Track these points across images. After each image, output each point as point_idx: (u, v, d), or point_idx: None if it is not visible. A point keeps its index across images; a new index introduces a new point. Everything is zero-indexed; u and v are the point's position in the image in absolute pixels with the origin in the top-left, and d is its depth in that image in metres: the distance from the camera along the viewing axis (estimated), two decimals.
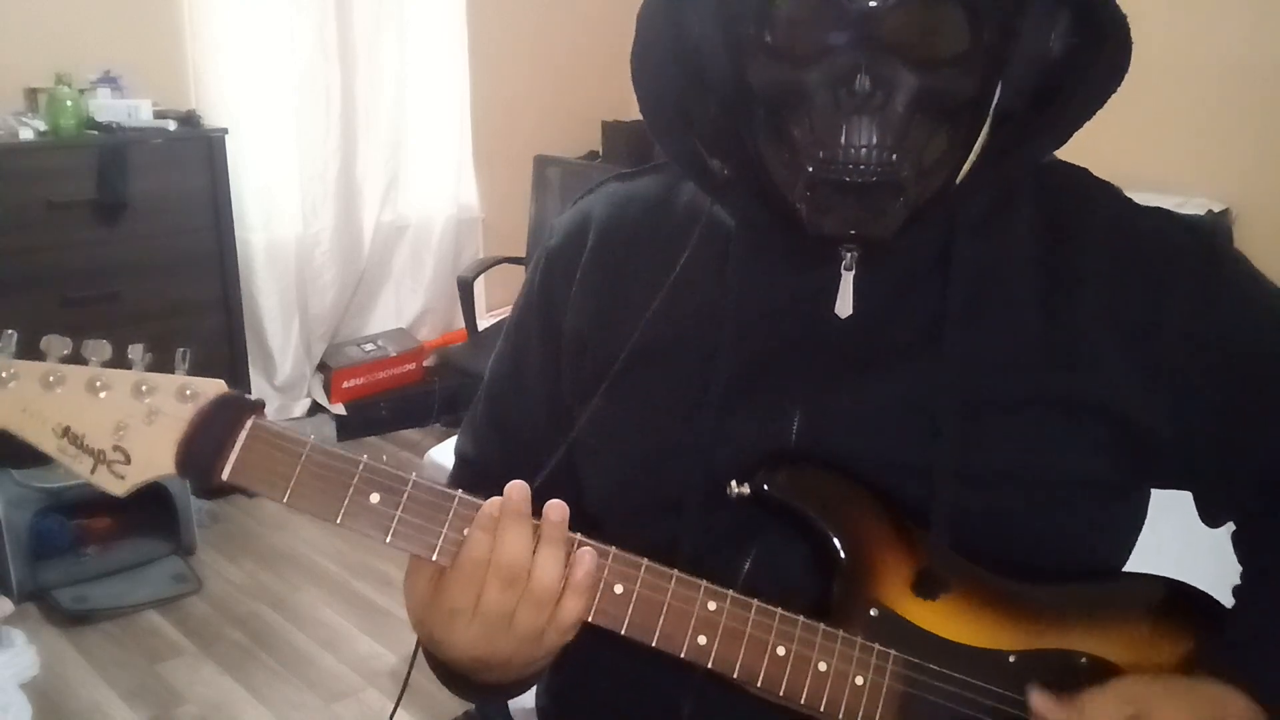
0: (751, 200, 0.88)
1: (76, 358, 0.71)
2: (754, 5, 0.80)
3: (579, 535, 0.78)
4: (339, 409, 3.92)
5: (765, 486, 0.84)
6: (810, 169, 0.79)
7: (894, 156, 0.77)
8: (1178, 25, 3.30)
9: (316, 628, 2.82)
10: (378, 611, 2.88)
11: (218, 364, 3.29)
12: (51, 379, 0.68)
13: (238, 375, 3.36)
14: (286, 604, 2.92)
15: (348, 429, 3.93)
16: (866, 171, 0.77)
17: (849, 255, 0.86)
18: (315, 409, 3.90)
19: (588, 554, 0.77)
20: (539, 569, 0.76)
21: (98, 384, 0.69)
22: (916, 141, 0.78)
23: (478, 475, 1.06)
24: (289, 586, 3.00)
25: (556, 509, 0.77)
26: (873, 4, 0.75)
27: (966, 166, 0.84)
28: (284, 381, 3.77)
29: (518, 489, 0.77)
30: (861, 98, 0.75)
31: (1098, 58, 0.82)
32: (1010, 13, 0.80)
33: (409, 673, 0.97)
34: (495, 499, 0.78)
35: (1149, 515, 0.94)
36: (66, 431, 0.69)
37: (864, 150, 0.77)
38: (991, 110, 0.83)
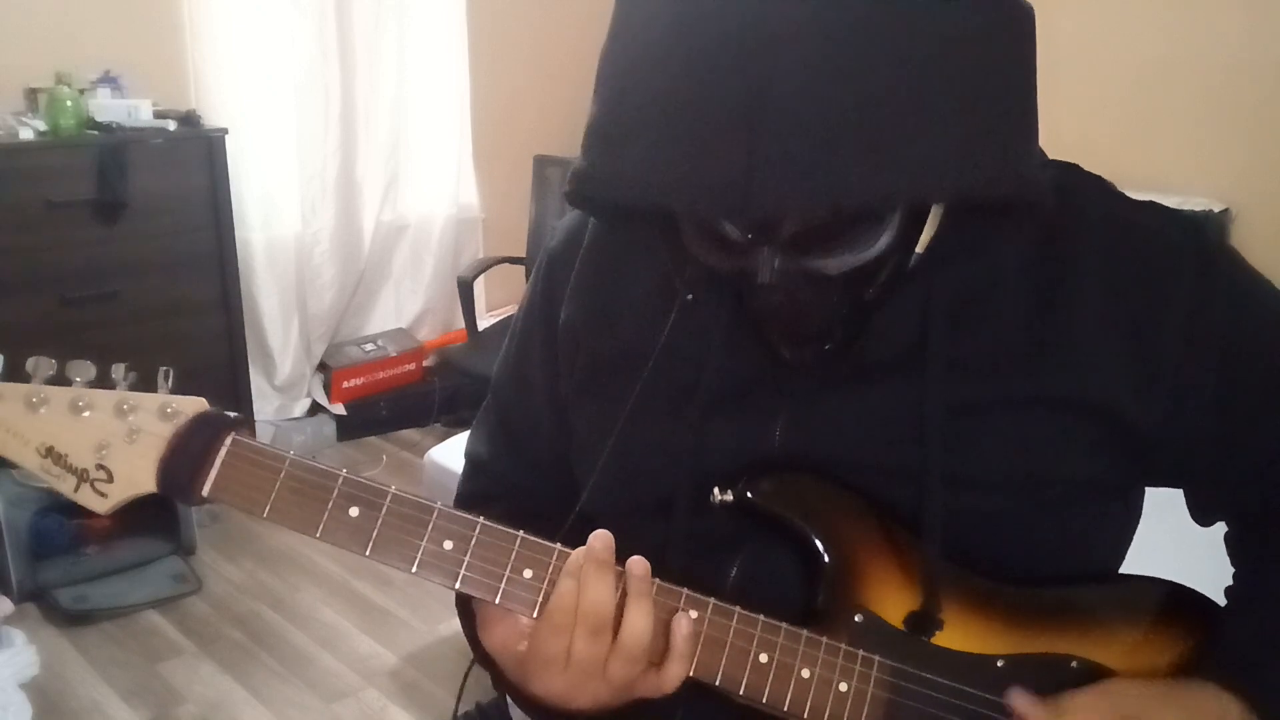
0: (723, 307, 0.88)
1: (61, 377, 0.72)
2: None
3: (656, 580, 0.79)
4: (339, 409, 3.92)
5: (748, 494, 0.84)
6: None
7: (829, 317, 0.80)
8: (1176, 25, 3.29)
9: (316, 627, 2.83)
10: (377, 611, 2.89)
11: (218, 364, 3.29)
12: (35, 400, 0.69)
13: (237, 375, 3.36)
14: (286, 604, 2.93)
15: (348, 429, 3.94)
16: (806, 336, 0.81)
17: None
18: (315, 409, 3.90)
19: (685, 619, 0.78)
20: (629, 624, 0.77)
21: (80, 404, 0.70)
22: (850, 293, 0.79)
23: (488, 475, 1.08)
24: (289, 586, 3.01)
25: (639, 563, 0.78)
26: (765, 241, 0.75)
27: (929, 234, 0.82)
28: (284, 381, 3.77)
29: (601, 538, 0.78)
30: (780, 294, 0.77)
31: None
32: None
33: (458, 702, 0.99)
34: (580, 549, 0.78)
35: (1145, 515, 0.94)
36: (50, 451, 0.70)
37: (797, 323, 0.80)
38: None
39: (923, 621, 0.83)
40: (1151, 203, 0.88)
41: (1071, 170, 0.89)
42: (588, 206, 0.87)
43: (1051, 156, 0.86)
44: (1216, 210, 3.22)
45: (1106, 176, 0.90)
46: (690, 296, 0.87)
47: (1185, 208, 3.01)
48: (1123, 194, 0.89)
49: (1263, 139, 3.21)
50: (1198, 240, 0.86)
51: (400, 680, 2.63)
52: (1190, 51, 3.27)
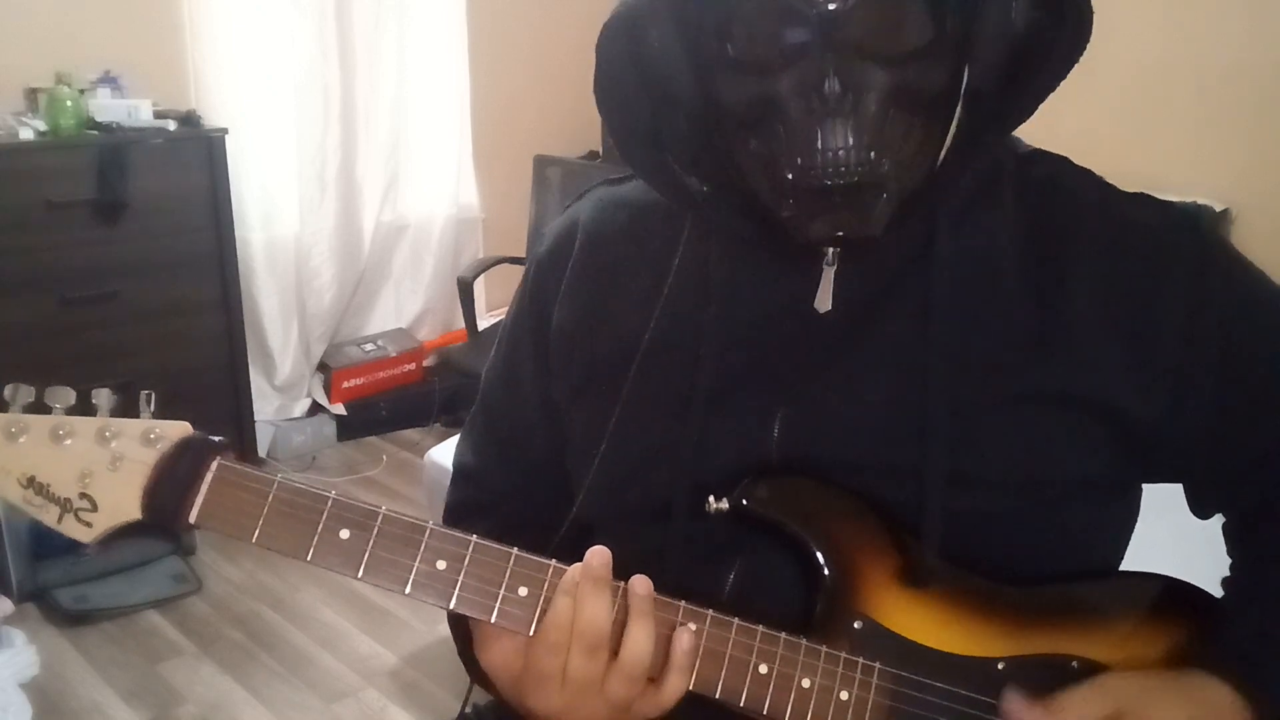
0: (733, 213, 0.87)
1: (40, 404, 0.71)
2: (714, 19, 0.79)
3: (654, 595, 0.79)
4: (339, 409, 3.92)
5: (744, 502, 0.84)
6: (790, 176, 0.78)
7: (872, 154, 0.76)
8: (1176, 25, 3.28)
9: (316, 627, 2.84)
10: (377, 611, 2.89)
11: (218, 364, 3.29)
12: (14, 429, 0.69)
13: (237, 375, 3.36)
14: (286, 604, 2.94)
15: (347, 429, 3.94)
16: (847, 173, 0.76)
17: (830, 251, 0.85)
18: (315, 409, 3.90)
19: (686, 633, 0.78)
20: (630, 642, 0.76)
21: (61, 432, 0.69)
22: (893, 136, 0.77)
23: (477, 485, 1.07)
24: (289, 586, 3.01)
25: (641, 582, 0.78)
26: (833, 6, 0.74)
27: (943, 152, 0.82)
28: (284, 381, 3.77)
29: (598, 555, 0.77)
30: (833, 101, 0.75)
31: (1061, 29, 0.79)
32: None
33: (464, 706, 1.00)
34: (576, 566, 0.78)
35: (1144, 512, 0.94)
36: (31, 481, 0.69)
37: (842, 153, 0.76)
38: (962, 92, 0.80)
39: (919, 572, 0.83)
40: (1145, 196, 0.88)
41: (1063, 165, 0.89)
42: (614, 89, 0.85)
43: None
44: (1217, 210, 3.21)
45: (1106, 176, 0.90)
46: (704, 188, 0.87)
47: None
48: (1115, 187, 0.89)
49: (1263, 139, 3.20)
50: (1195, 237, 0.86)
51: (400, 680, 2.64)
52: (1190, 51, 3.26)
